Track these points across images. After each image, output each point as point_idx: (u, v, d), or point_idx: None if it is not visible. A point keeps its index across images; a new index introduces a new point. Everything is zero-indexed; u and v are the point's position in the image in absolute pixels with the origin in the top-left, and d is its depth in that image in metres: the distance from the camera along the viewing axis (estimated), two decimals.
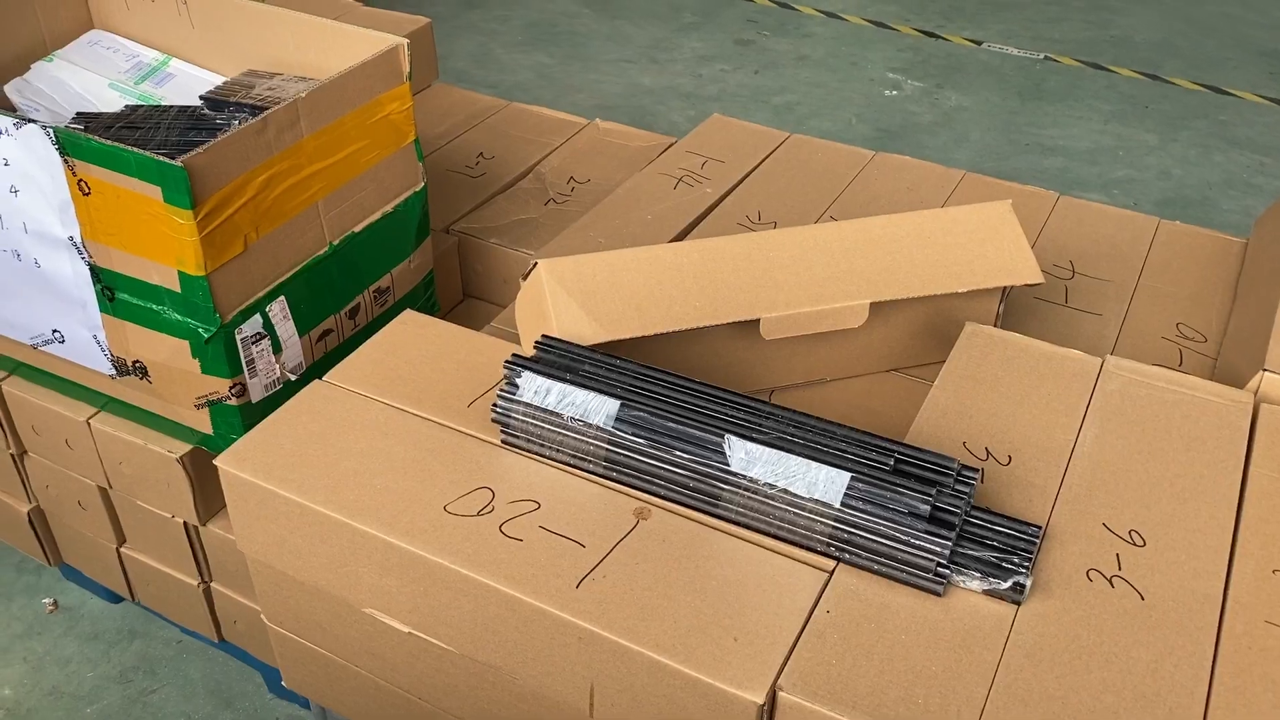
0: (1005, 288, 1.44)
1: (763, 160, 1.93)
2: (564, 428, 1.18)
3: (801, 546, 1.10)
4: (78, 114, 1.61)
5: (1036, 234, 1.75)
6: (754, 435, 1.12)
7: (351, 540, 1.16)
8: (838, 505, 1.06)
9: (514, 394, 1.20)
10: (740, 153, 1.95)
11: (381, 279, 1.63)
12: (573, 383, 1.19)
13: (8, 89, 1.74)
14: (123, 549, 1.81)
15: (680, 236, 1.73)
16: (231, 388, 1.43)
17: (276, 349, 1.47)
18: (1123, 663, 0.99)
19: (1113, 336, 1.54)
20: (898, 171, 1.90)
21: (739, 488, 1.11)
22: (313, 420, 1.27)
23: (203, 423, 1.49)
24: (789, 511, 1.09)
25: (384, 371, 1.34)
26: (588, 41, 4.21)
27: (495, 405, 1.21)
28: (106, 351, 1.50)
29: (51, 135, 1.34)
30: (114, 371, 1.52)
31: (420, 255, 1.69)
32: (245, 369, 1.44)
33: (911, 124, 3.65)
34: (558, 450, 1.19)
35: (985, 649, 1.00)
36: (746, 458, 1.10)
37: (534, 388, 1.19)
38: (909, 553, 1.04)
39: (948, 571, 1.04)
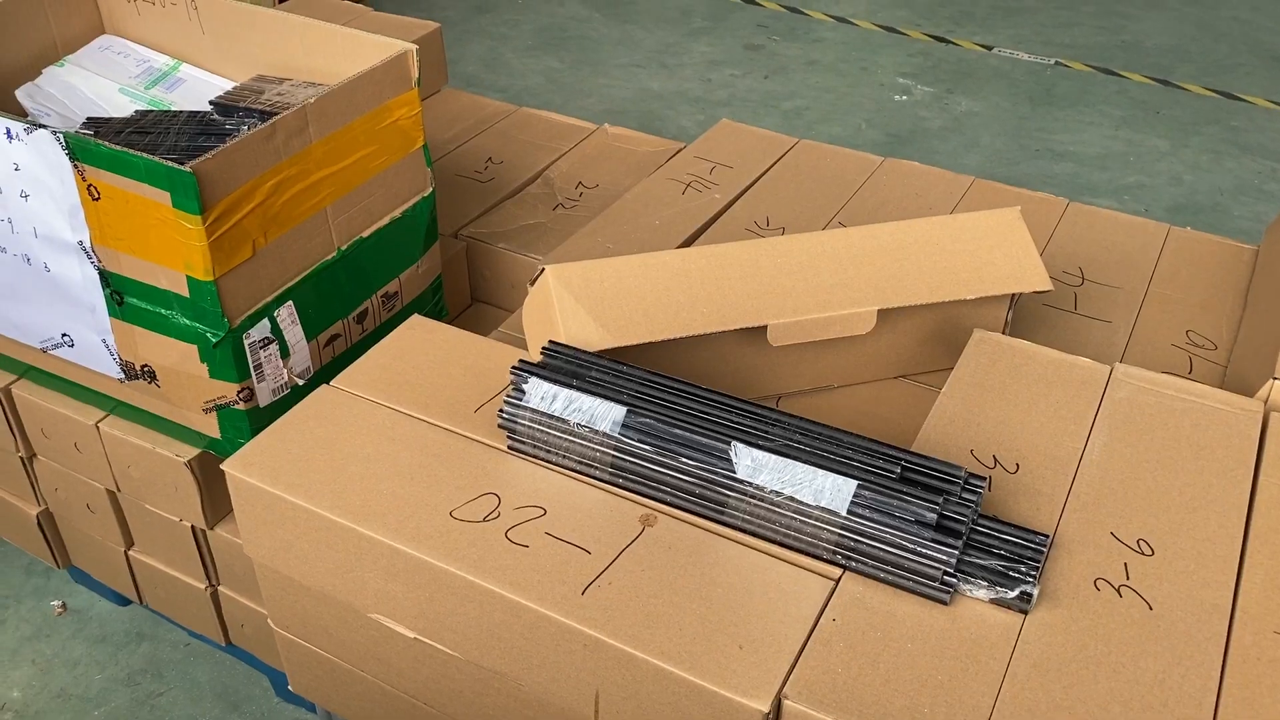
0: (1014, 295, 1.44)
1: (771, 166, 1.93)
2: (570, 434, 1.18)
3: (807, 554, 1.09)
4: (88, 119, 1.62)
5: (1046, 240, 1.74)
6: (760, 442, 1.12)
7: (357, 545, 1.16)
8: (844, 513, 1.06)
9: (520, 400, 1.20)
10: (749, 158, 1.95)
11: (389, 284, 1.63)
12: (579, 389, 1.18)
13: (19, 94, 1.74)
14: (131, 552, 1.81)
15: (688, 242, 1.73)
16: (239, 392, 1.43)
17: (284, 354, 1.48)
18: (1130, 673, 0.98)
19: (1122, 344, 1.54)
20: (906, 177, 1.90)
21: (745, 495, 1.10)
22: (319, 425, 1.27)
23: (211, 427, 1.49)
24: (795, 519, 1.08)
25: (391, 376, 1.34)
26: (598, 46, 4.21)
27: (501, 411, 1.21)
28: (115, 355, 1.51)
29: (61, 140, 1.34)
30: (123, 375, 1.53)
31: (428, 260, 1.70)
32: (253, 373, 1.44)
33: (921, 129, 3.65)
34: (564, 456, 1.19)
35: (992, 658, 1.00)
36: (753, 465, 1.10)
37: (540, 393, 1.19)
38: (915, 561, 1.04)
39: (954, 580, 1.04)
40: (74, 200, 1.38)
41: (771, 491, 1.09)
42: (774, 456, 1.10)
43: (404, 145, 1.57)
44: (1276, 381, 1.30)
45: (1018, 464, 1.20)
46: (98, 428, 1.61)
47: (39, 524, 1.89)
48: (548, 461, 1.21)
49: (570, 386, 1.19)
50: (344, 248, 1.53)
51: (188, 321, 1.39)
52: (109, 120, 1.61)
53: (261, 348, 1.44)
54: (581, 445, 1.17)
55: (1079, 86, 3.91)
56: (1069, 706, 0.95)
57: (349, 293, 1.57)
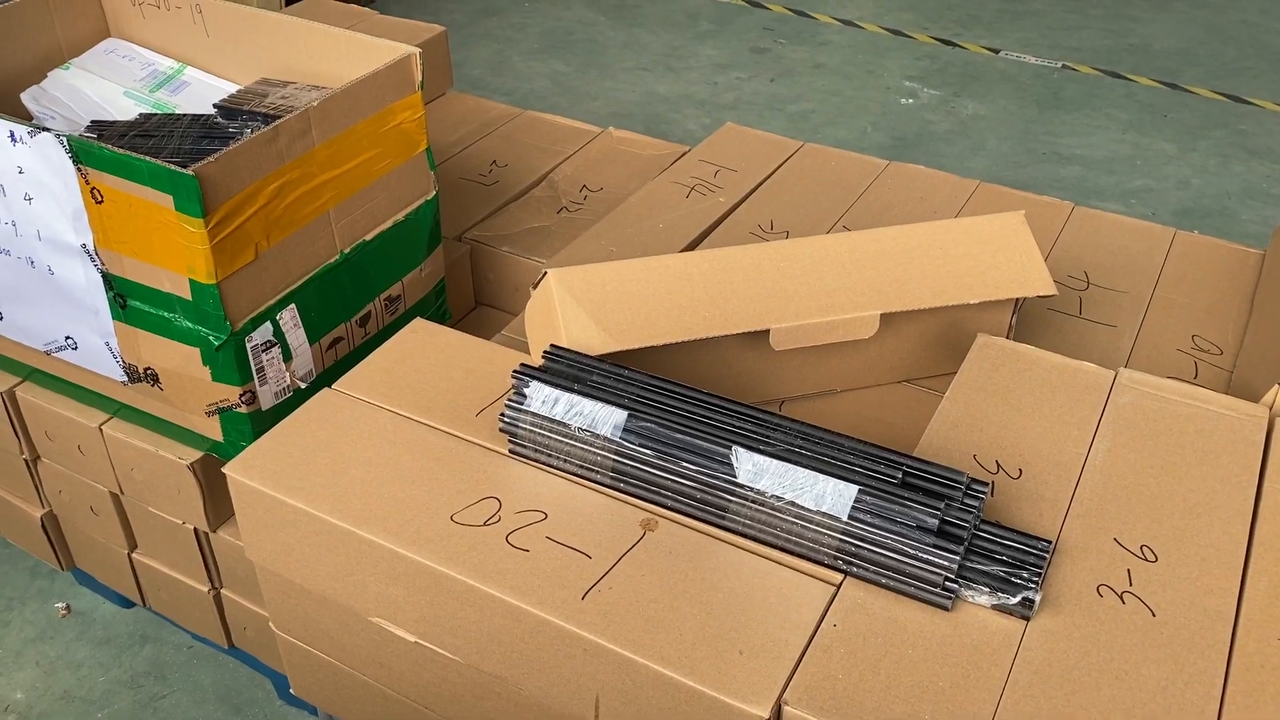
0: (1018, 299, 1.43)
1: (775, 169, 1.93)
2: (571, 438, 1.17)
3: (809, 559, 1.09)
4: (92, 122, 1.63)
5: (1051, 244, 1.73)
6: (762, 447, 1.12)
7: (358, 549, 1.16)
8: (845, 518, 1.06)
9: (522, 404, 1.20)
10: (753, 162, 1.95)
11: (392, 287, 1.63)
12: (581, 393, 1.18)
13: (24, 97, 1.75)
14: (134, 554, 1.81)
15: (692, 245, 1.72)
16: (242, 395, 1.43)
17: (287, 357, 1.48)
18: (1133, 680, 0.98)
19: (1127, 348, 1.53)
20: (911, 181, 1.89)
21: (746, 500, 1.10)
22: (321, 428, 1.27)
23: (213, 430, 1.50)
24: (796, 524, 1.08)
25: (393, 380, 1.34)
26: (604, 49, 4.21)
27: (503, 415, 1.21)
28: (118, 358, 1.51)
29: (65, 143, 1.34)
30: (126, 378, 1.53)
31: (432, 263, 1.70)
32: (255, 377, 1.44)
33: (928, 132, 3.64)
34: (565, 460, 1.19)
35: (993, 665, 0.99)
36: (754, 470, 1.10)
37: (542, 397, 1.19)
38: (917, 567, 1.03)
39: (956, 586, 1.03)
40: (77, 203, 1.39)
41: (773, 496, 1.09)
42: (775, 461, 1.10)
43: (407, 148, 1.57)
44: None
45: (1021, 469, 1.19)
46: (101, 430, 1.62)
47: (43, 526, 1.90)
48: (549, 465, 1.21)
49: (572, 390, 1.19)
50: (347, 251, 1.53)
51: (190, 324, 1.39)
52: (113, 123, 1.61)
53: (264, 351, 1.44)
54: (583, 449, 1.17)
55: (1086, 90, 3.90)
56: (1071, 714, 0.95)
57: (352, 296, 1.57)
